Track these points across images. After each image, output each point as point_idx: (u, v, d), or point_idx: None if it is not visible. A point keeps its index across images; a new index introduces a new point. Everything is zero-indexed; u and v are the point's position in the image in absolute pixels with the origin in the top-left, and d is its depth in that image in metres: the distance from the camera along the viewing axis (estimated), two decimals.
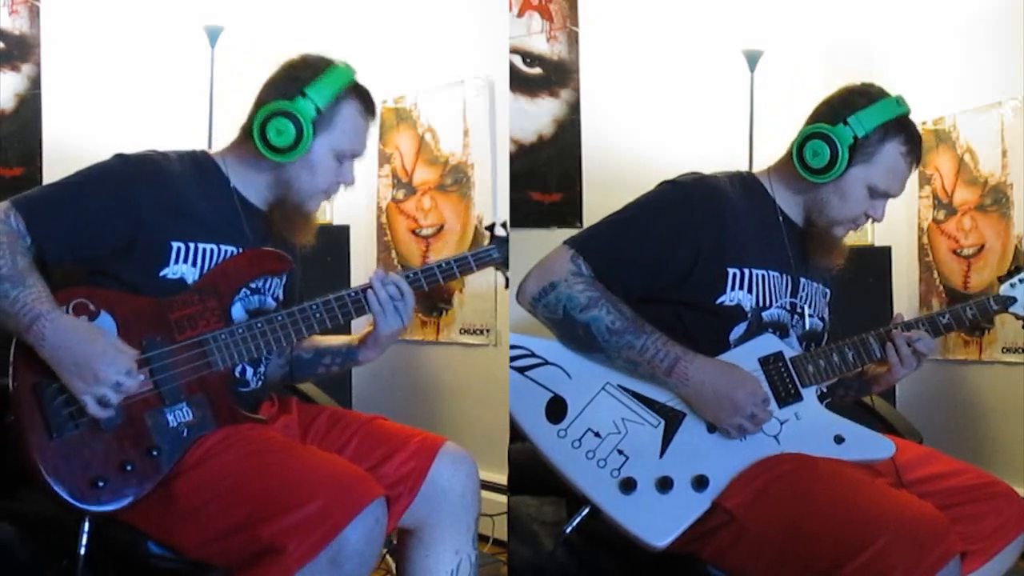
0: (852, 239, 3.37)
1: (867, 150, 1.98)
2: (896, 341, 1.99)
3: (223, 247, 1.92)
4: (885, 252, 3.35)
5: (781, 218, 2.07)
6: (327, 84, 1.93)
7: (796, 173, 2.02)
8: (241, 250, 1.95)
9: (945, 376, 3.42)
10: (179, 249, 1.88)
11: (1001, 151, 3.24)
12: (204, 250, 1.90)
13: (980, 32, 3.28)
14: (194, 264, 1.89)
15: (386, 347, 2.03)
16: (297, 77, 1.94)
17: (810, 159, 1.99)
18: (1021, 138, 3.18)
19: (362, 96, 1.99)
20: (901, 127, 2.00)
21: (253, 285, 1.96)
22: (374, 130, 3.87)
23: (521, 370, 1.99)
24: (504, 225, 2.11)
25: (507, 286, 2.11)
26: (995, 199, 3.26)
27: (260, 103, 1.95)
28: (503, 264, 2.10)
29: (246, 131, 1.97)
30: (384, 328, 1.96)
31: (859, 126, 1.97)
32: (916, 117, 3.49)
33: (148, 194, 1.87)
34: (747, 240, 2.01)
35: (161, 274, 1.87)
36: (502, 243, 2.09)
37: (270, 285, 2.01)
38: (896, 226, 3.52)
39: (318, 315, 1.93)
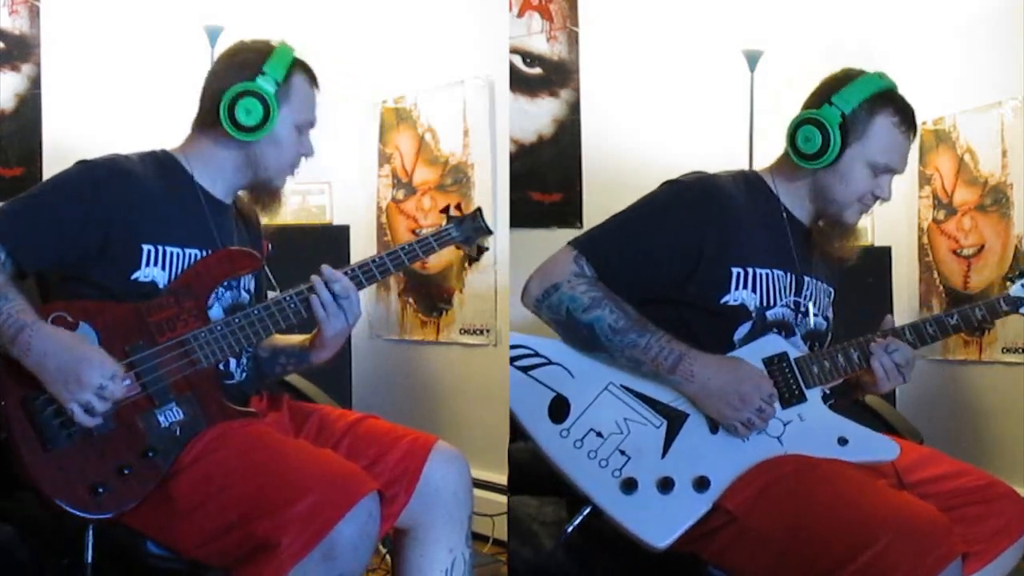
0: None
1: (858, 127, 1.98)
2: (875, 352, 1.97)
3: (188, 250, 1.94)
4: (885, 252, 3.35)
5: (785, 215, 2.06)
6: (279, 61, 1.98)
7: (795, 166, 2.02)
8: (206, 251, 1.96)
9: (945, 376, 3.42)
10: (149, 252, 1.90)
11: (1001, 151, 3.24)
12: (172, 253, 1.92)
13: (980, 32, 3.28)
14: (163, 267, 1.91)
15: (335, 348, 2.02)
16: (246, 60, 1.98)
17: (803, 145, 1.99)
18: (1021, 138, 3.18)
19: (306, 69, 2.04)
20: (888, 99, 2.00)
21: (226, 282, 1.98)
22: (374, 130, 3.90)
23: (524, 369, 1.99)
24: (478, 211, 2.12)
25: (470, 263, 2.14)
26: (995, 199, 3.26)
27: (216, 91, 1.97)
28: (464, 243, 2.10)
29: (204, 121, 2.00)
30: (328, 330, 1.95)
31: (844, 103, 1.97)
32: (916, 117, 3.50)
33: (115, 198, 1.89)
34: (751, 239, 2.01)
35: (133, 277, 1.88)
36: (463, 222, 2.09)
37: (241, 281, 2.03)
38: (896, 226, 3.52)
39: (293, 306, 1.94)
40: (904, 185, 3.53)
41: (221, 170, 2.02)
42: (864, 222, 3.41)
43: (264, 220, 2.15)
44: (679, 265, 1.98)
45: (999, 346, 3.26)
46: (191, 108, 3.42)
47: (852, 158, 1.99)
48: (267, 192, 2.04)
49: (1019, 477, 2.88)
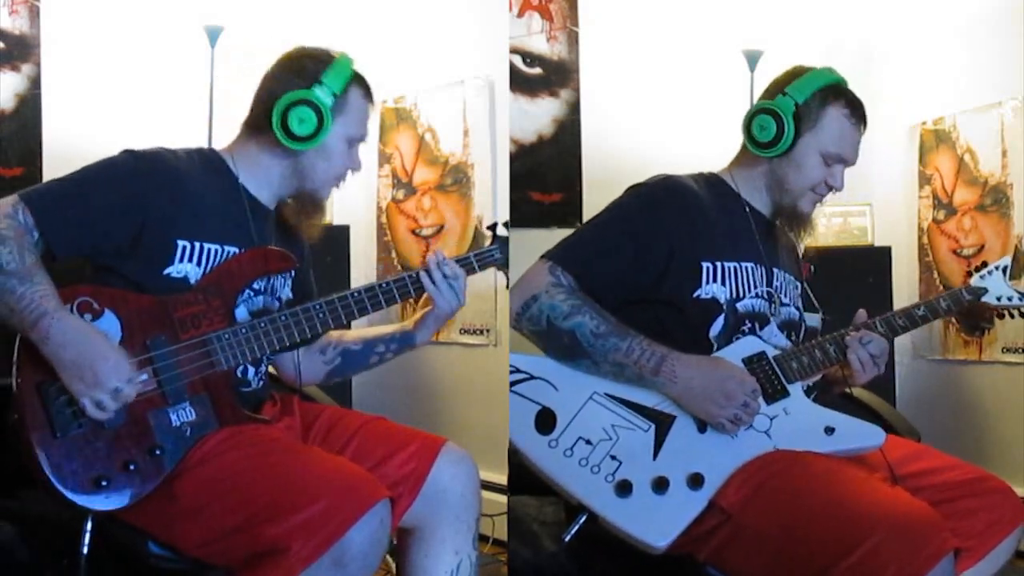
0: (852, 239, 3.40)
1: (810, 116, 2.05)
2: (851, 345, 2.01)
3: (227, 248, 1.93)
4: (885, 252, 3.35)
5: (748, 209, 2.11)
6: (339, 72, 1.96)
7: (753, 157, 2.08)
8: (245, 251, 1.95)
9: (945, 376, 3.42)
10: (184, 248, 1.88)
11: (1001, 151, 3.24)
12: (209, 250, 1.91)
13: (980, 32, 3.28)
14: (199, 264, 1.89)
15: (440, 326, 2.12)
16: (305, 67, 1.97)
17: (758, 134, 2.05)
18: (1021, 138, 3.18)
19: (364, 83, 2.03)
20: (839, 92, 2.07)
21: (257, 286, 1.97)
22: (374, 130, 3.89)
23: (508, 385, 1.99)
24: (506, 225, 2.14)
25: (508, 286, 2.12)
26: (995, 199, 3.26)
27: (270, 96, 1.95)
28: (504, 265, 2.12)
29: (255, 125, 1.98)
30: (444, 306, 2.03)
31: (797, 93, 2.04)
32: (916, 117, 3.52)
33: (155, 191, 1.87)
34: (717, 234, 2.04)
35: (165, 272, 1.87)
36: (504, 243, 2.12)
37: (275, 287, 2.01)
38: (896, 226, 3.53)
39: (321, 315, 1.94)
40: (904, 185, 3.54)
41: (268, 176, 2.01)
42: (864, 222, 3.43)
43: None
44: (652, 265, 2.00)
45: (999, 346, 3.26)
46: (191, 108, 3.45)
47: (806, 147, 2.05)
48: (311, 202, 2.03)
49: (1019, 477, 2.88)
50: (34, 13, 3.33)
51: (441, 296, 2.02)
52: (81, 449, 1.74)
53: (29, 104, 3.32)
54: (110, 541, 1.83)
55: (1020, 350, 3.20)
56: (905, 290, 3.48)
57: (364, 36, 3.67)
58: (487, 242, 2.14)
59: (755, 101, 3.37)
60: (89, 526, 1.81)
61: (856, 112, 2.07)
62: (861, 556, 1.69)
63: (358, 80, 2.01)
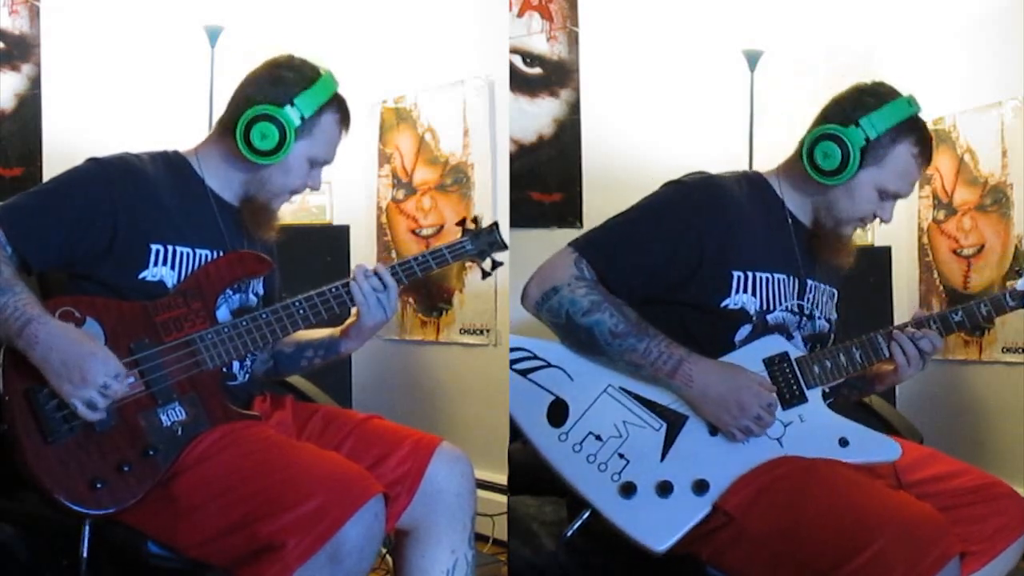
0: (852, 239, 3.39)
1: (878, 152, 1.96)
2: (901, 342, 1.97)
3: (199, 251, 1.95)
4: (885, 252, 3.35)
5: (789, 219, 2.05)
6: (315, 95, 1.96)
7: (805, 174, 2.00)
8: (217, 252, 1.97)
9: (945, 376, 3.42)
10: (158, 251, 1.91)
11: (1001, 151, 3.24)
12: (181, 253, 1.93)
13: (980, 32, 3.28)
14: (172, 267, 1.92)
15: (368, 338, 2.05)
16: (283, 80, 1.97)
17: (821, 161, 1.96)
18: (1021, 138, 3.18)
19: (342, 108, 2.02)
20: (912, 128, 1.97)
21: (234, 285, 1.99)
22: (374, 130, 3.89)
23: (523, 372, 1.99)
24: (476, 220, 2.11)
25: (484, 277, 2.12)
26: (995, 199, 3.26)
27: (245, 101, 1.96)
28: (477, 256, 2.10)
29: (226, 127, 1.99)
30: (368, 319, 1.99)
31: (871, 128, 1.94)
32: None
33: (124, 196, 1.89)
34: (753, 242, 1.99)
35: (140, 276, 1.89)
36: (478, 236, 2.09)
37: (250, 283, 2.04)
38: (896, 226, 3.50)
39: (301, 312, 1.96)
40: None
41: (228, 178, 2.02)
42: None
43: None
44: (680, 268, 1.97)
45: (999, 346, 3.26)
46: (191, 108, 3.44)
47: (865, 180, 1.97)
48: (264, 211, 2.03)
49: (1019, 477, 2.88)
50: (34, 13, 3.33)
51: (367, 309, 1.98)
52: (74, 453, 1.75)
53: (29, 104, 3.31)
54: (109, 542, 1.83)
55: (1020, 350, 3.19)
56: (905, 290, 3.48)
57: (364, 36, 3.67)
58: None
59: (755, 102, 3.42)
60: (88, 527, 1.81)
61: (925, 151, 1.98)
62: (866, 560, 1.69)
63: (337, 105, 2.00)
